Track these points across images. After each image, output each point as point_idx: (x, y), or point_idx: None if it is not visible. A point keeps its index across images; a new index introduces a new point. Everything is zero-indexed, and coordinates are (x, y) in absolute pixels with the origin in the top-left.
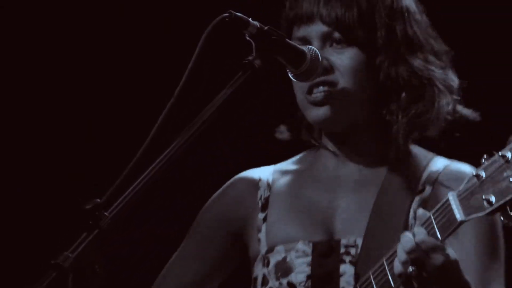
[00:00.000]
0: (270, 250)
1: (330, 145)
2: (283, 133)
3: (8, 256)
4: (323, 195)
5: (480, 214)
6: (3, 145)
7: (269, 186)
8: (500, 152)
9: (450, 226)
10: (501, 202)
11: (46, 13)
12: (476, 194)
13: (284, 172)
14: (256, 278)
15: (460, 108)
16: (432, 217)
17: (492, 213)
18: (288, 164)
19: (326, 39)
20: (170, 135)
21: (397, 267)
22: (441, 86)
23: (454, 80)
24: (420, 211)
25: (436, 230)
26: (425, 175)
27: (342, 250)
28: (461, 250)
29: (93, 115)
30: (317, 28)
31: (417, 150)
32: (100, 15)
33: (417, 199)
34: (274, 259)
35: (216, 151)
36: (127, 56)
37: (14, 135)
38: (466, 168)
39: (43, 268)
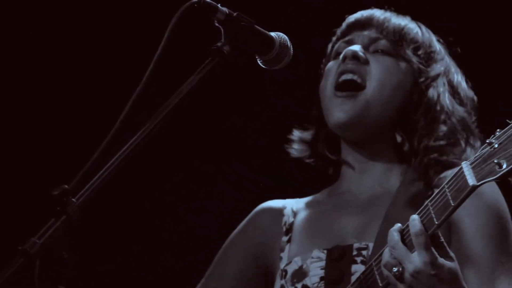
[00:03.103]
0: (288, 263)
1: (349, 157)
2: (298, 150)
3: None
4: (340, 214)
5: (492, 178)
6: None
7: (294, 213)
8: None
9: (462, 192)
10: None
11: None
12: (488, 160)
13: (309, 203)
14: None
15: None
16: (445, 186)
17: (503, 177)
18: (313, 197)
19: (371, 43)
20: (137, 122)
21: (383, 268)
22: (470, 142)
23: (478, 143)
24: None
25: (449, 197)
26: (435, 180)
27: (355, 252)
28: (466, 244)
29: (59, 101)
30: (368, 34)
31: None
32: None
33: (426, 202)
34: (291, 269)
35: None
36: (93, 41)
37: None
38: None
39: (10, 254)
